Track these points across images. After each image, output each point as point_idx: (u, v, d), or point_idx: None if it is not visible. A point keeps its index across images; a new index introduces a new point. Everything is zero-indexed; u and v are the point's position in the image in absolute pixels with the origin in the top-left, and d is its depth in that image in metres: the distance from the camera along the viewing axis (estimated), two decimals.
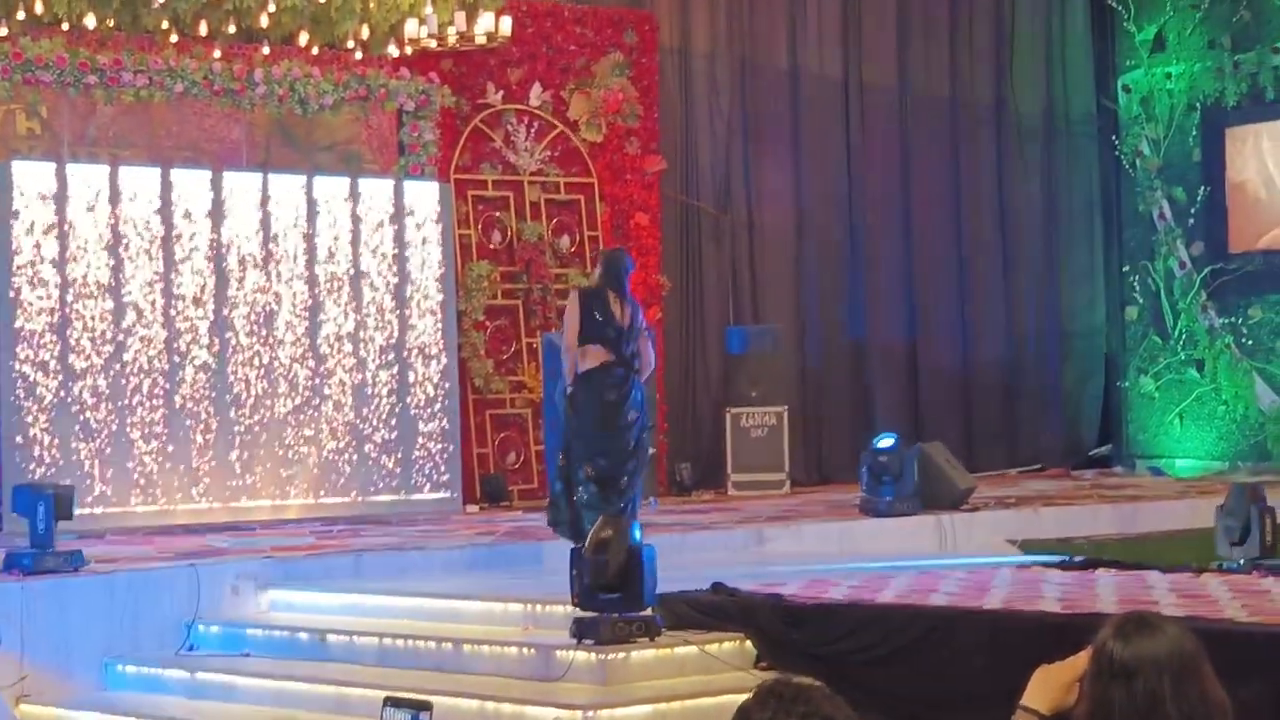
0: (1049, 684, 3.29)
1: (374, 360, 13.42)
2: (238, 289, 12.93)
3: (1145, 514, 13.03)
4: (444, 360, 13.72)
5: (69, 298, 12.32)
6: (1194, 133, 17.18)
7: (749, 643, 8.06)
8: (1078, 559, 9.77)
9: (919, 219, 17.32)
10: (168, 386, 12.62)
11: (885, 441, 12.53)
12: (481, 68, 14.76)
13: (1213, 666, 3.14)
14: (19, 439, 12.08)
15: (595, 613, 7.88)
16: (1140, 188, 17.63)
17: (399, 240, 13.60)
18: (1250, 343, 16.77)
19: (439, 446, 13.61)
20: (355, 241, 13.42)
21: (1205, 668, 3.10)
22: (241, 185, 13.06)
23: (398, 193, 13.68)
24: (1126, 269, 17.81)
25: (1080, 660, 3.25)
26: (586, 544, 8.00)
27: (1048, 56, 18.19)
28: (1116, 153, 17.87)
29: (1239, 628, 6.82)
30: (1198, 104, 17.12)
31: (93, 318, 12.39)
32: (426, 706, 3.96)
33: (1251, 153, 16.83)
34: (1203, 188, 17.08)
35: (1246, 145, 16.86)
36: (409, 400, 13.52)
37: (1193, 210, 17.16)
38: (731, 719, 3.01)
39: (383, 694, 7.64)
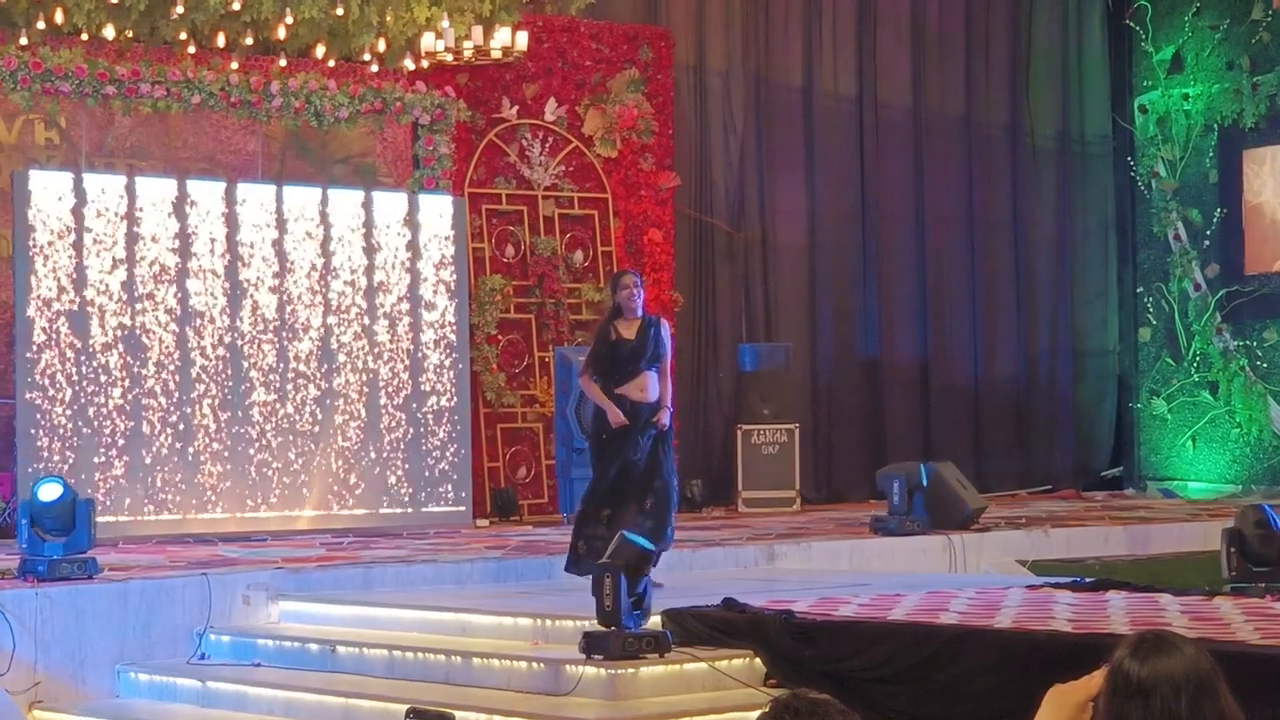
0: (1062, 703, 3.29)
1: (385, 372, 13.43)
2: (251, 300, 12.95)
3: (1156, 536, 13.00)
4: (456, 373, 13.73)
5: (85, 307, 12.35)
6: (1211, 154, 17.18)
7: (759, 659, 8.05)
8: (1088, 580, 9.74)
9: (933, 238, 17.32)
10: (181, 397, 12.64)
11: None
12: (497, 82, 14.79)
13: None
14: (36, 447, 12.10)
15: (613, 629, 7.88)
16: (1156, 209, 17.62)
17: (412, 253, 13.62)
18: (1265, 366, 16.75)
19: (450, 460, 13.62)
20: (369, 254, 13.45)
21: (1222, 687, 3.09)
22: (256, 197, 13.09)
23: (412, 206, 13.71)
24: (1141, 290, 17.80)
25: (1094, 680, 3.24)
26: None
27: (1064, 76, 18.19)
28: (1132, 173, 17.87)
29: (1252, 650, 6.80)
30: (1215, 125, 17.12)
31: (108, 327, 12.42)
32: (449, 718, 3.95)
33: (1269, 174, 16.83)
34: (1219, 209, 17.07)
35: (1264, 167, 16.86)
36: (420, 413, 13.53)
37: (1209, 232, 17.15)
38: None
39: (392, 706, 7.67)
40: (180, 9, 12.21)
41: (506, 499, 14.19)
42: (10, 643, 8.82)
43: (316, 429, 13.13)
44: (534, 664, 8.14)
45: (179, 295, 12.68)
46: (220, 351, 12.80)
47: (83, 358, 12.31)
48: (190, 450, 12.64)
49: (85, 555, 9.48)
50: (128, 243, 12.52)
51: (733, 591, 8.82)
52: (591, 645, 7.87)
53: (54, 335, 12.24)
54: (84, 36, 12.53)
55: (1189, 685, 3.07)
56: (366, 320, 13.39)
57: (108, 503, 12.23)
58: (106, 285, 12.43)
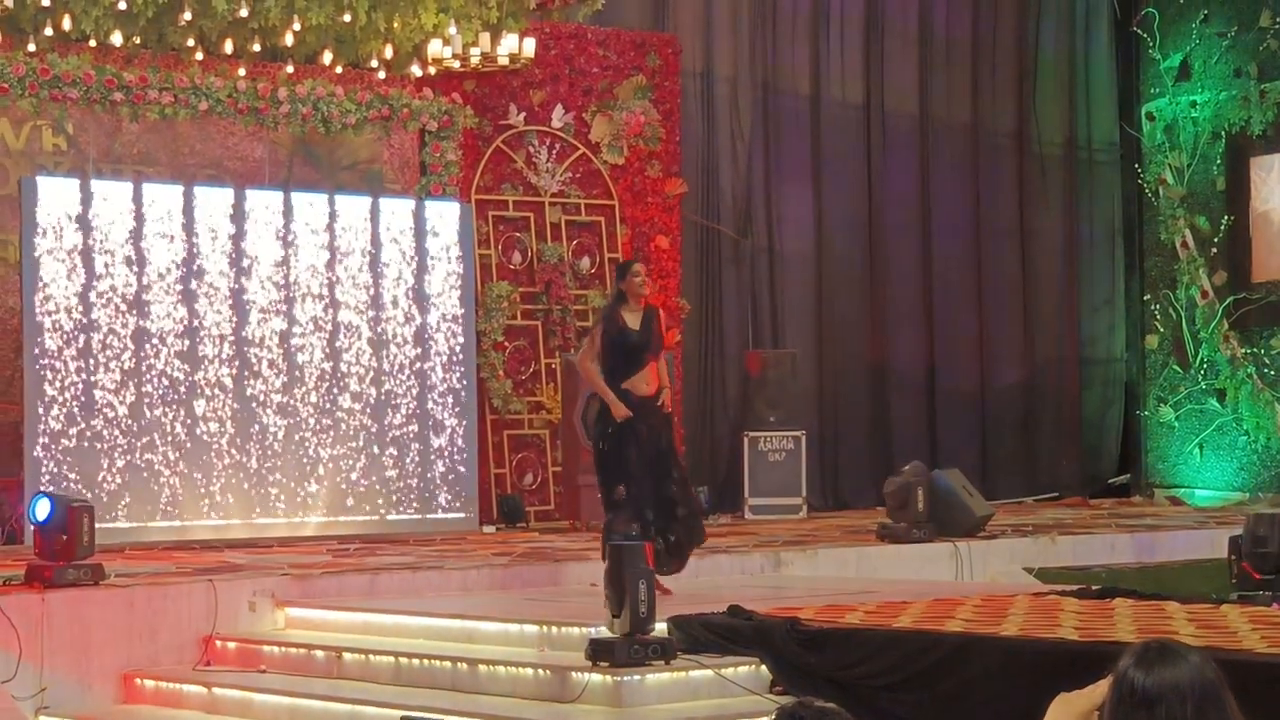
0: (1068, 711, 3.28)
1: (392, 379, 13.43)
2: (258, 306, 12.95)
3: (1163, 543, 12.98)
4: (462, 380, 13.73)
5: (92, 313, 12.35)
6: (1218, 161, 17.17)
7: (764, 667, 8.04)
8: (1095, 588, 9.73)
9: (939, 245, 17.32)
10: (188, 403, 12.63)
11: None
12: (504, 89, 14.81)
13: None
14: (41, 454, 12.10)
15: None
16: (1163, 216, 17.61)
17: (419, 260, 13.62)
18: (1272, 373, 16.73)
19: (456, 466, 13.62)
20: (376, 260, 13.45)
21: (1227, 696, 3.09)
22: (263, 203, 13.10)
23: (419, 212, 13.72)
24: (1148, 297, 17.79)
25: (1100, 688, 3.23)
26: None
27: (1071, 83, 18.19)
28: (1139, 181, 17.87)
29: (1259, 659, 6.79)
30: (1223, 132, 17.11)
31: (115, 334, 12.42)
32: None
33: (1277, 181, 16.82)
34: (1226, 217, 17.06)
35: (1272, 174, 16.85)
36: (427, 420, 13.53)
37: (1216, 239, 17.14)
38: None
39: (398, 713, 7.67)
40: (188, 15, 12.23)
41: (513, 506, 14.19)
42: (17, 649, 8.82)
43: (323, 435, 13.13)
44: (540, 671, 8.13)
45: (185, 301, 12.66)
46: (226, 357, 12.79)
47: (89, 364, 12.31)
48: (197, 456, 12.63)
49: (91, 561, 9.48)
50: (134, 249, 12.50)
51: (739, 598, 8.82)
52: (598, 652, 7.87)
53: (61, 341, 12.22)
54: (92, 43, 12.54)
55: (1194, 694, 3.07)
56: (373, 326, 13.39)
57: (124, 509, 12.24)
58: (113, 292, 12.41)
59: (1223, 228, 17.09)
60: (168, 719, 8.86)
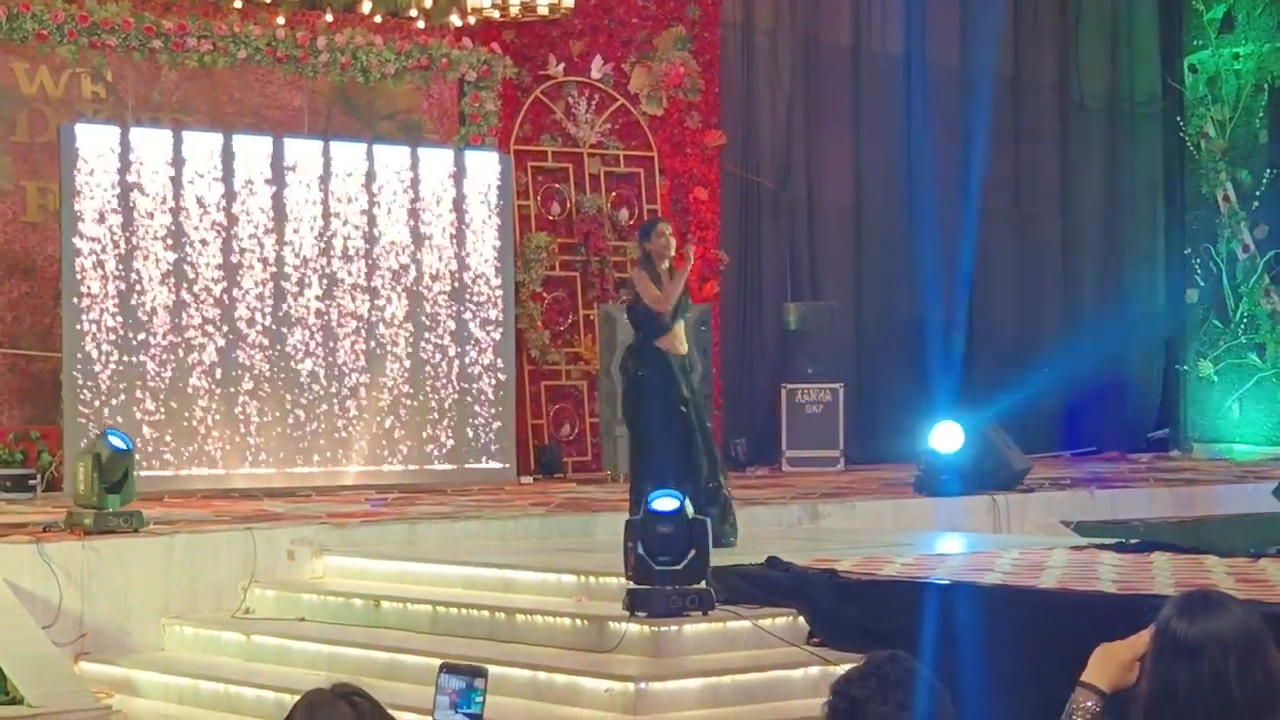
0: (1110, 662, 3.28)
1: (431, 329, 13.45)
2: (296, 256, 12.96)
3: (1202, 498, 12.95)
4: (501, 331, 13.73)
5: (131, 262, 12.38)
6: (1261, 114, 17.01)
7: (802, 618, 8.05)
8: (1133, 541, 9.71)
9: (978, 199, 17.20)
10: (227, 352, 12.67)
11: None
12: (543, 39, 14.76)
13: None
14: (81, 402, 12.16)
15: (649, 585, 7.89)
16: (1204, 170, 17.48)
17: (458, 210, 13.61)
18: None
19: (494, 417, 13.64)
20: (414, 211, 13.44)
21: (1270, 648, 3.08)
22: (302, 152, 13.09)
23: (458, 163, 13.70)
24: (1188, 251, 17.67)
25: (1141, 639, 3.23)
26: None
27: (1113, 36, 18.03)
28: (1181, 134, 17.72)
29: None
30: (1265, 85, 16.95)
31: (154, 281, 12.46)
32: (482, 672, 3.98)
33: None
34: (1269, 170, 16.91)
35: None
36: (465, 370, 13.55)
37: (1258, 193, 17.00)
38: (840, 678, 3.04)
39: (436, 661, 7.70)
40: None
41: (550, 456, 14.22)
42: (57, 595, 8.90)
43: (362, 385, 13.16)
44: (578, 620, 8.16)
45: (224, 250, 12.68)
46: (265, 307, 12.81)
47: (128, 312, 12.34)
48: (236, 405, 12.66)
49: (131, 509, 9.54)
50: (173, 197, 12.52)
51: (777, 550, 8.83)
52: (635, 602, 7.89)
53: (100, 288, 12.26)
54: None
55: (1237, 646, 3.06)
56: (411, 276, 13.39)
57: (163, 458, 12.29)
58: (152, 240, 12.42)
59: (1265, 181, 16.95)
60: (206, 665, 8.92)
